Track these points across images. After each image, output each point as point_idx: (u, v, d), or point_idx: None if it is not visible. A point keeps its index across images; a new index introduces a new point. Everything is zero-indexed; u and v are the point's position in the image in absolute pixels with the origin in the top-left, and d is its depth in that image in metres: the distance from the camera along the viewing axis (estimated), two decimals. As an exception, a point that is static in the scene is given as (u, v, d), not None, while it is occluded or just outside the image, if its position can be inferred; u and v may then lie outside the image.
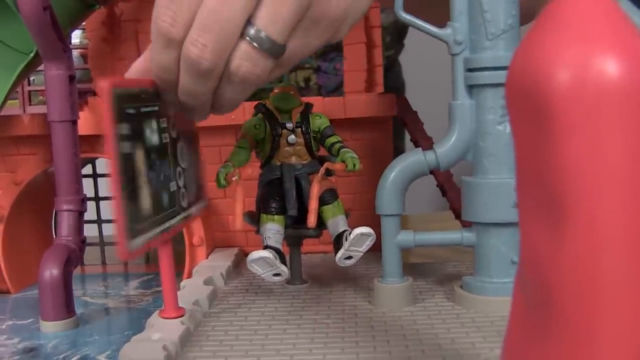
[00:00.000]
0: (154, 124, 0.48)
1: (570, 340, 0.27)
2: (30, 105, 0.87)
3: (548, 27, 0.28)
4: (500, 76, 0.52)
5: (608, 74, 0.25)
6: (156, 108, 0.50)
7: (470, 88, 0.53)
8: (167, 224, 0.48)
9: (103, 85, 0.42)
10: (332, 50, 1.06)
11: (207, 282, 0.61)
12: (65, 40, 0.61)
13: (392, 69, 1.13)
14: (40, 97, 0.88)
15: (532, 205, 0.29)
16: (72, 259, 0.60)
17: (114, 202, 0.42)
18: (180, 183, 0.50)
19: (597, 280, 0.26)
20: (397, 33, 1.11)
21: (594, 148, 0.26)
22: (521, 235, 0.29)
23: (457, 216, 0.75)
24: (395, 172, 0.54)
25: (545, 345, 0.28)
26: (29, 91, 0.87)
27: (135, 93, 0.46)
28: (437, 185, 0.76)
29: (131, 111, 0.45)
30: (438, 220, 0.91)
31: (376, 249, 0.74)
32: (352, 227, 0.56)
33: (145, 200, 0.45)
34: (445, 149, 0.54)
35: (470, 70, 0.53)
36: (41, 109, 0.81)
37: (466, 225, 0.67)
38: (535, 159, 0.28)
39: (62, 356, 0.53)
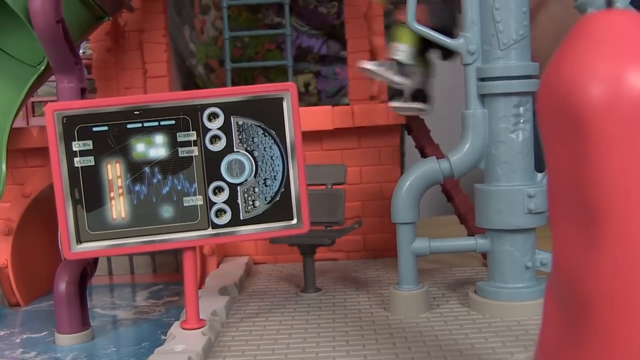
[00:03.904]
0: (160, 139, 0.50)
1: (607, 349, 0.27)
2: (33, 116, 0.87)
3: (580, 42, 0.28)
4: (512, 85, 0.53)
5: (642, 88, 0.26)
6: (172, 122, 0.51)
7: (483, 97, 0.54)
8: (161, 236, 0.51)
9: (47, 109, 0.49)
10: (330, 55, 1.07)
11: (222, 291, 0.62)
12: (77, 52, 0.61)
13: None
14: (44, 109, 0.88)
15: (566, 216, 0.29)
16: (87, 271, 0.60)
17: (58, 208, 0.50)
18: (218, 199, 0.51)
19: (633, 290, 0.27)
20: None
21: (629, 161, 0.27)
22: (554, 245, 0.30)
23: (462, 221, 0.76)
24: (410, 180, 0.55)
25: (581, 353, 0.29)
26: (32, 102, 0.87)
27: (108, 112, 0.50)
28: (443, 191, 0.77)
29: (100, 129, 0.49)
30: (442, 225, 0.92)
31: (384, 255, 0.75)
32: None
33: (117, 209, 0.50)
34: (459, 157, 0.55)
35: (483, 79, 0.54)
36: (44, 121, 0.81)
37: (472, 228, 0.68)
38: (569, 171, 0.28)
39: (81, 369, 0.53)
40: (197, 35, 1.10)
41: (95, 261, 0.63)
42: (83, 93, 0.62)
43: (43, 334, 0.62)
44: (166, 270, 0.85)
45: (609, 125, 0.27)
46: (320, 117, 0.71)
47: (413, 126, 0.76)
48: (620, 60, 0.27)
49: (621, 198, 0.27)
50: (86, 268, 0.60)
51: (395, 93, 0.60)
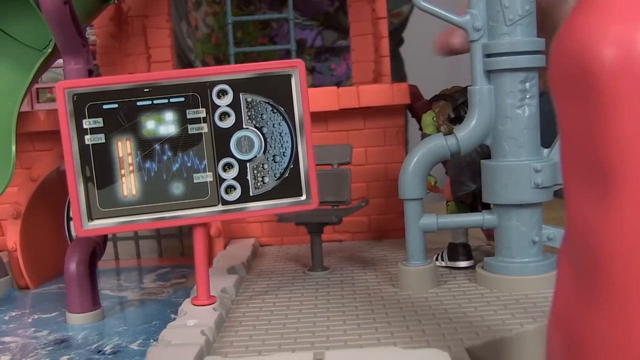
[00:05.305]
0: (169, 116, 0.50)
1: (621, 304, 0.28)
2: (38, 102, 0.87)
3: (593, 4, 0.29)
4: (518, 61, 0.53)
5: (653, 48, 0.27)
6: (182, 99, 0.51)
7: (489, 73, 0.55)
8: (172, 213, 0.51)
9: (58, 87, 0.49)
10: (325, 51, 1.07)
11: (230, 271, 0.62)
12: (83, 34, 0.61)
13: (393, 62, 1.14)
14: (49, 95, 0.88)
15: (580, 177, 0.30)
16: (97, 251, 0.61)
17: (69, 185, 0.49)
18: (228, 175, 0.51)
19: (645, 246, 0.27)
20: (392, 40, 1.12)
21: (641, 119, 0.27)
22: (568, 207, 0.31)
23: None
24: (417, 156, 0.55)
25: (595, 310, 0.29)
26: (37, 89, 0.87)
27: (118, 89, 0.50)
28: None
29: (110, 106, 0.50)
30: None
31: (390, 236, 0.76)
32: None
33: (127, 186, 0.50)
34: (466, 133, 0.55)
35: (489, 55, 0.54)
36: (49, 106, 0.82)
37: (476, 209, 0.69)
38: (582, 133, 0.29)
39: (94, 346, 0.53)
40: (193, 31, 1.11)
41: (104, 241, 0.63)
42: (90, 74, 0.62)
43: (54, 314, 0.62)
44: (171, 254, 0.85)
45: (621, 85, 0.27)
46: (326, 97, 0.72)
47: (417, 108, 0.76)
48: (631, 22, 0.27)
49: (633, 156, 0.27)
50: (95, 248, 0.61)
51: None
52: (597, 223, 0.29)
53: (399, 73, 1.16)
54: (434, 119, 0.61)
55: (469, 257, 0.61)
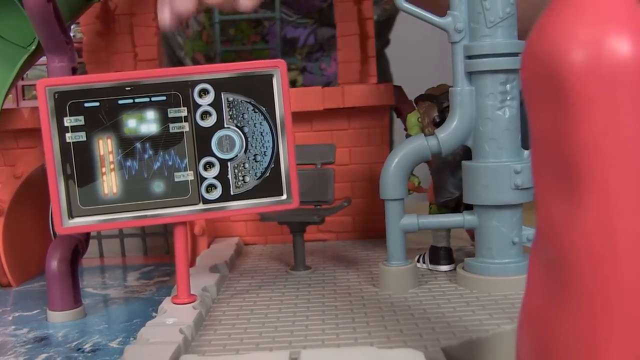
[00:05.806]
0: (151, 114, 0.50)
1: (588, 303, 0.28)
2: (23, 99, 0.87)
3: (563, 8, 0.29)
4: (499, 63, 0.53)
5: (622, 51, 0.27)
6: (163, 98, 0.51)
7: (470, 75, 0.55)
8: (153, 211, 0.51)
9: (39, 85, 0.49)
10: (317, 51, 1.08)
11: (213, 269, 0.62)
12: (67, 32, 0.61)
13: (379, 63, 1.15)
14: (34, 92, 0.88)
15: (549, 178, 0.30)
16: (79, 250, 0.61)
17: (50, 183, 0.49)
18: (209, 174, 0.51)
19: (612, 245, 0.28)
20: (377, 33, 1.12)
21: (609, 121, 0.27)
22: (538, 206, 0.31)
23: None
24: (398, 157, 0.56)
25: (563, 310, 0.29)
26: (23, 86, 0.87)
27: (99, 88, 0.50)
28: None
29: (91, 104, 0.50)
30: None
31: (373, 236, 0.76)
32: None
33: (108, 185, 0.50)
34: (447, 134, 0.55)
35: (470, 57, 0.54)
36: (34, 104, 0.82)
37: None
38: (552, 133, 0.29)
39: (74, 344, 0.53)
40: (183, 29, 1.11)
41: (87, 239, 0.63)
42: (74, 72, 0.62)
43: (35, 312, 0.62)
44: (157, 252, 0.85)
45: (590, 87, 0.27)
46: (311, 97, 0.72)
47: (402, 108, 0.77)
48: (600, 25, 0.28)
49: (600, 156, 0.27)
50: (78, 246, 0.61)
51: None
52: (564, 223, 0.29)
53: (384, 74, 1.16)
54: (419, 119, 0.61)
55: (450, 261, 0.62)
